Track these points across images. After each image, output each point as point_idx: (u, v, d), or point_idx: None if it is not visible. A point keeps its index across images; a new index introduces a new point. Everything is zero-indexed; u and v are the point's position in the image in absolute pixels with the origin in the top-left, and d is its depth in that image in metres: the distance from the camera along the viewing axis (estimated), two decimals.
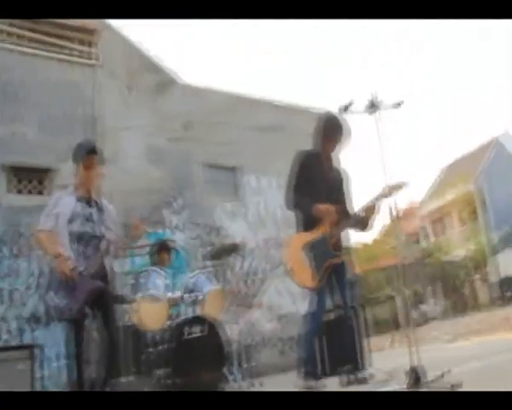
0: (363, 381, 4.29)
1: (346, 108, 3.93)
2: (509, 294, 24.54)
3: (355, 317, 5.26)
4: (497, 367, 4.10)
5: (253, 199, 8.81)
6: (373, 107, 3.83)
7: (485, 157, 31.06)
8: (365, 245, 26.39)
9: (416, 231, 31.55)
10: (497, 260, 27.39)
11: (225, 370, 5.21)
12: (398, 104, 3.92)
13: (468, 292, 25.67)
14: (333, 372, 5.10)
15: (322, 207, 4.18)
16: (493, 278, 26.79)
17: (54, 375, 5.90)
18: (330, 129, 4.40)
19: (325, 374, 5.28)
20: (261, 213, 8.79)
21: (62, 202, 3.93)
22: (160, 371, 4.82)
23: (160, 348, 4.96)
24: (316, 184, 4.31)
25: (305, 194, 4.27)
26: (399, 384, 3.40)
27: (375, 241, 28.72)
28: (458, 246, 28.19)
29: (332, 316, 5.17)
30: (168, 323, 5.18)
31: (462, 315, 18.89)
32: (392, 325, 17.96)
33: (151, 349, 5.05)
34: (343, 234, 4.50)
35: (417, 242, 30.05)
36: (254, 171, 9.01)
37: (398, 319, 18.88)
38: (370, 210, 4.23)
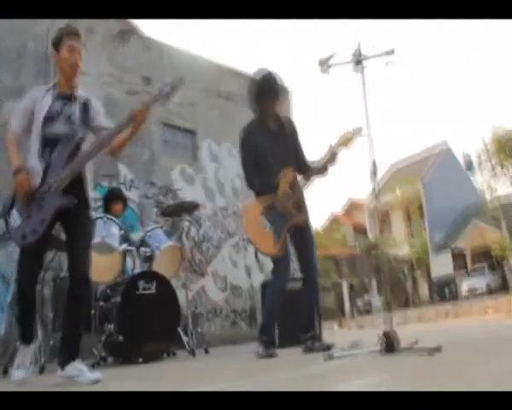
0: (328, 347, 4.02)
1: (327, 61, 3.61)
2: (440, 294, 25.27)
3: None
4: (462, 338, 3.98)
5: (212, 165, 8.42)
6: (359, 58, 3.51)
7: (431, 163, 31.88)
8: (315, 232, 26.52)
9: (363, 224, 32.00)
10: (433, 261, 28.23)
11: (180, 331, 4.84)
12: (391, 52, 3.62)
13: (408, 288, 26.23)
14: (292, 341, 4.81)
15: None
16: (430, 278, 27.57)
17: None
18: (265, 88, 4.11)
19: (284, 342, 4.99)
20: (220, 180, 8.41)
21: (39, 99, 3.18)
22: (110, 327, 4.40)
23: (112, 302, 4.55)
24: (267, 153, 4.06)
25: (260, 167, 4.07)
26: (369, 348, 3.16)
27: (324, 229, 28.94)
28: (399, 244, 28.79)
29: (294, 283, 4.86)
30: (120, 276, 4.77)
31: (402, 308, 19.19)
32: (337, 311, 18.03)
33: (102, 303, 4.63)
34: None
35: (364, 234, 30.45)
36: (214, 137, 8.62)
37: (343, 305, 19.02)
38: (330, 158, 4.05)
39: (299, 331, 4.31)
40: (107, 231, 4.66)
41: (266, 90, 4.11)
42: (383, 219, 32.22)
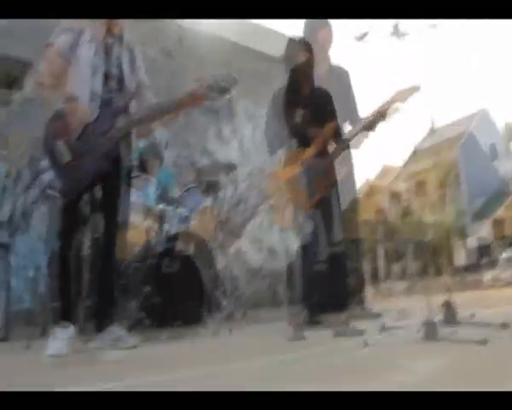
0: (376, 316, 3.80)
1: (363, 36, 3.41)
2: (483, 261, 24.74)
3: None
4: None
5: (248, 125, 8.19)
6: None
7: (469, 129, 31.06)
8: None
9: (397, 190, 31.46)
10: (470, 229, 27.62)
11: (204, 309, 4.66)
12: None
13: (442, 256, 25.77)
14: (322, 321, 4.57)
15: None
16: (464, 247, 27.02)
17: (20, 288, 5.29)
18: (295, 51, 3.93)
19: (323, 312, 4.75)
20: (257, 141, 8.18)
21: (88, 27, 2.87)
22: (147, 289, 4.27)
23: (149, 263, 4.40)
24: (298, 118, 3.87)
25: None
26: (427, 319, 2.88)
27: (359, 195, 28.55)
28: (435, 210, 28.25)
29: (327, 251, 4.61)
30: (157, 237, 4.62)
31: (435, 277, 18.84)
32: (373, 277, 17.81)
33: (138, 265, 4.49)
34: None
35: (398, 201, 29.96)
36: (251, 96, 8.34)
37: (379, 271, 18.80)
38: (380, 115, 3.74)
39: (329, 311, 4.11)
40: (143, 191, 4.52)
41: (297, 54, 3.91)
42: (419, 184, 31.62)
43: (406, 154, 33.30)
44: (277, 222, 4.03)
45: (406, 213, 26.49)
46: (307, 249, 4.26)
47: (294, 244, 6.97)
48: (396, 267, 19.65)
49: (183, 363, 2.28)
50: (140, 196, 4.46)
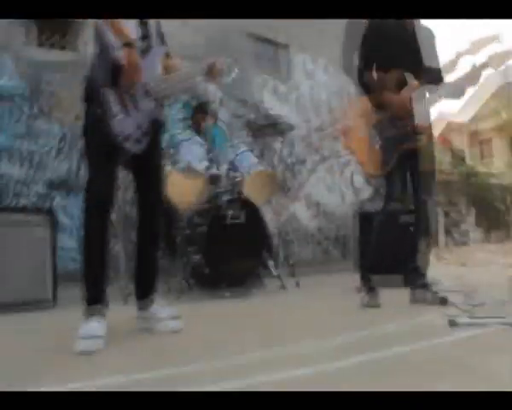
0: (442, 301, 3.43)
1: None
2: None
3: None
4: None
5: (306, 82, 7.78)
6: None
7: None
8: None
9: (462, 148, 30.09)
10: None
11: (265, 255, 4.47)
12: None
13: (509, 221, 24.61)
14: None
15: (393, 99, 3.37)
16: None
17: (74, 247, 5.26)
18: None
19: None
20: (315, 99, 7.79)
21: None
22: (196, 257, 4.13)
23: (199, 231, 4.22)
24: (388, 55, 3.48)
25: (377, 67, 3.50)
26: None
27: None
28: (502, 172, 26.90)
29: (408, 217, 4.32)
30: (209, 202, 4.43)
31: (498, 242, 17.98)
32: (432, 242, 17.17)
33: (188, 231, 4.33)
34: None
35: (462, 160, 28.66)
36: (309, 52, 7.90)
37: (438, 236, 18.15)
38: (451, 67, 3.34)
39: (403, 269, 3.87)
40: (193, 153, 4.31)
41: None
42: (485, 144, 30.18)
43: (472, 109, 31.66)
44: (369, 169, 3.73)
45: (470, 173, 25.33)
46: (380, 213, 3.95)
47: (353, 207, 6.69)
48: (456, 232, 18.89)
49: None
50: (190, 161, 4.26)
